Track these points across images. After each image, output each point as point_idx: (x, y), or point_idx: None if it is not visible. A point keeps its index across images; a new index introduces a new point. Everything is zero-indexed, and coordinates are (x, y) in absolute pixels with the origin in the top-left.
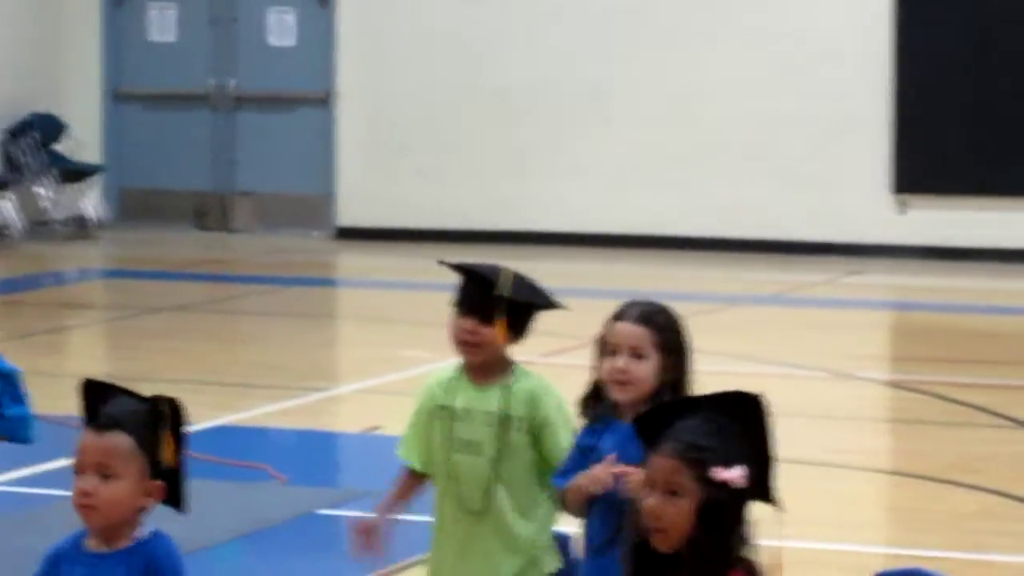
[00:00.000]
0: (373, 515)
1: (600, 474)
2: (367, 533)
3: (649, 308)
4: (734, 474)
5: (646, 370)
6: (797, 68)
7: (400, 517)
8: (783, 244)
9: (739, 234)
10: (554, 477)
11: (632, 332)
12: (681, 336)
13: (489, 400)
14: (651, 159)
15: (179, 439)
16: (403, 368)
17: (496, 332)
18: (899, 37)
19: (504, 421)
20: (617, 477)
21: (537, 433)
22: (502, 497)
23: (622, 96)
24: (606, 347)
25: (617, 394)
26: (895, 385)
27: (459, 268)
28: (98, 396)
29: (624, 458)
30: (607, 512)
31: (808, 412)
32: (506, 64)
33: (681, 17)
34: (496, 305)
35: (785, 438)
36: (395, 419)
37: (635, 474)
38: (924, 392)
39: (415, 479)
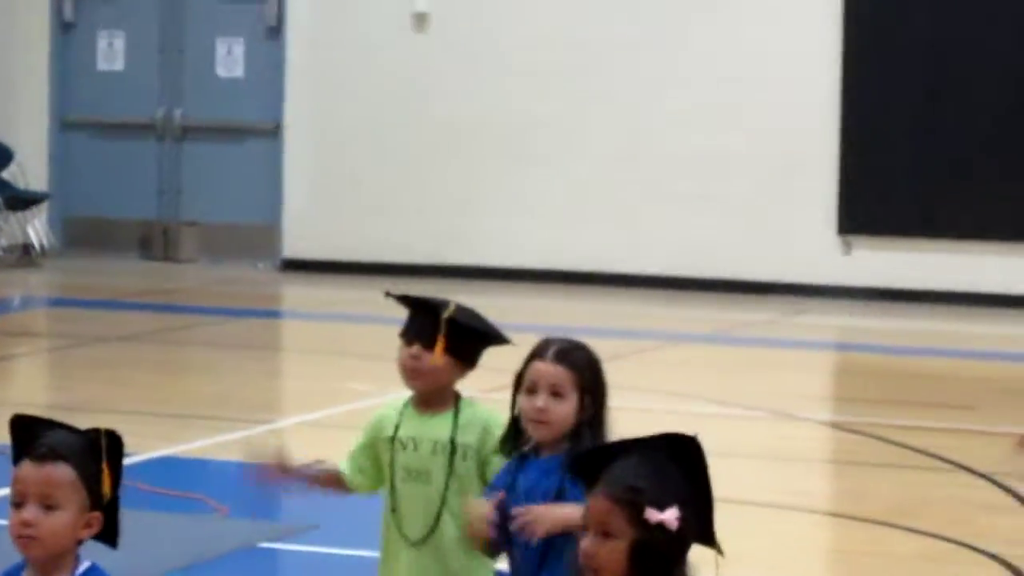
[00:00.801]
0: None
1: (485, 515)
2: (275, 470)
3: (568, 346)
4: (668, 516)
5: (565, 410)
6: (745, 107)
7: (299, 487)
8: (727, 283)
9: (684, 272)
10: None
11: (551, 371)
12: (599, 375)
13: (436, 428)
14: (598, 195)
15: (117, 472)
16: (348, 401)
17: (438, 357)
18: (846, 79)
19: (453, 450)
20: (509, 518)
21: (485, 462)
22: (448, 527)
23: (570, 132)
24: (524, 385)
25: (536, 433)
26: (836, 426)
27: (404, 299)
28: (29, 430)
29: (539, 493)
30: (527, 552)
31: (749, 452)
32: (454, 98)
33: (630, 54)
34: (438, 331)
35: (725, 478)
36: (340, 452)
37: (529, 514)
38: (865, 434)
39: (339, 484)
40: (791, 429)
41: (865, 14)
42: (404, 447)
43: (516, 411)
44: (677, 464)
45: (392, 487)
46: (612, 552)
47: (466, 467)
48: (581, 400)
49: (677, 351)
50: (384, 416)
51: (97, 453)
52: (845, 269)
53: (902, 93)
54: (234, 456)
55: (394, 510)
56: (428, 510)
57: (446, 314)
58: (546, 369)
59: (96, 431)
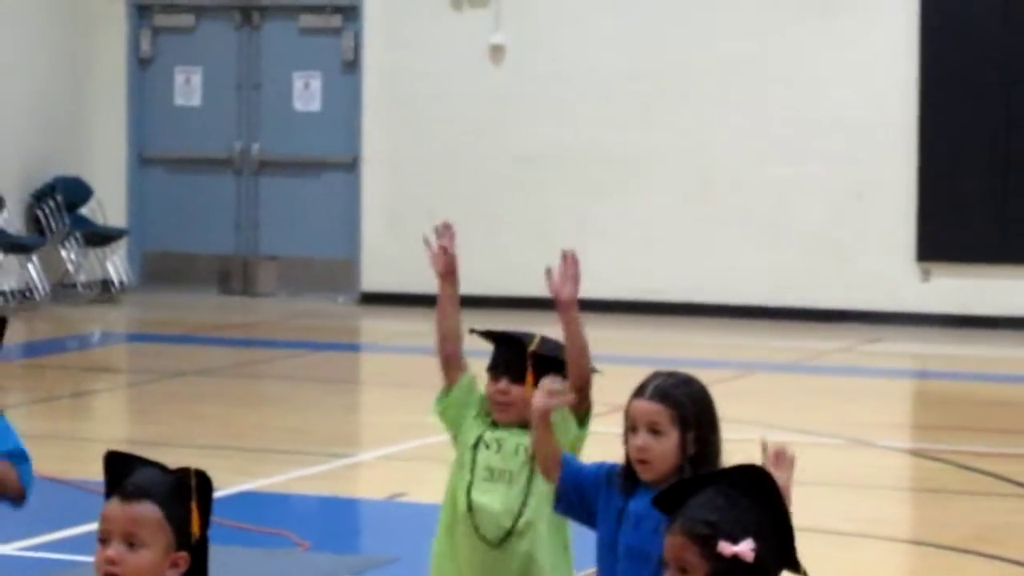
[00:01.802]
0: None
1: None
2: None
3: (668, 382)
4: (742, 548)
5: (665, 447)
6: (822, 134)
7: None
8: (805, 311)
9: (761, 301)
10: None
11: (648, 409)
12: (703, 409)
13: (522, 436)
14: (673, 225)
15: (206, 512)
16: (427, 435)
17: (527, 390)
18: (924, 104)
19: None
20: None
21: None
22: (527, 530)
23: (644, 162)
24: (627, 424)
25: (641, 473)
26: (915, 453)
27: (490, 334)
28: (121, 467)
29: (652, 519)
30: (632, 567)
31: (828, 480)
32: (529, 129)
33: (705, 83)
34: (527, 364)
35: (803, 507)
36: (419, 485)
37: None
38: (944, 460)
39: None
40: (870, 457)
41: (942, 40)
42: (488, 447)
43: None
44: (750, 495)
45: (469, 487)
46: None
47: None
48: (682, 437)
49: (755, 380)
50: (471, 414)
51: (185, 493)
52: (923, 296)
53: (980, 118)
54: (314, 490)
55: (470, 510)
56: (508, 511)
57: (532, 347)
58: (643, 406)
59: (185, 471)
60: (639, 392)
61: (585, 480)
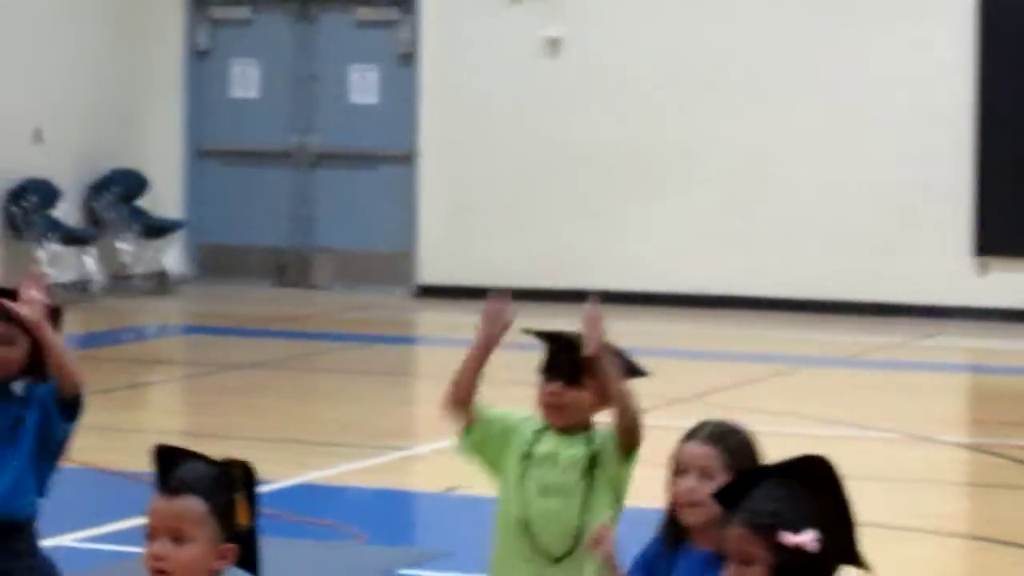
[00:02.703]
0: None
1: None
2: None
3: (719, 428)
4: (805, 538)
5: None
6: (878, 129)
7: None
8: (862, 305)
9: (817, 295)
10: None
11: (700, 452)
12: (754, 457)
13: (575, 446)
14: (729, 220)
15: (252, 502)
16: None
17: (581, 393)
18: (981, 98)
19: (592, 464)
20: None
21: (614, 475)
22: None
23: (699, 157)
24: (677, 468)
25: (687, 516)
26: (973, 448)
27: (543, 335)
28: (170, 460)
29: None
30: None
31: (885, 475)
32: (586, 123)
33: (760, 79)
34: (581, 367)
35: (861, 502)
36: (474, 478)
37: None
38: (1003, 456)
39: (468, 401)
40: (927, 452)
41: (999, 33)
42: (541, 464)
43: (670, 496)
44: (811, 486)
45: (523, 503)
46: None
47: (602, 478)
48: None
49: (811, 375)
50: (519, 429)
51: (230, 484)
52: (981, 290)
53: None
54: (370, 483)
55: (527, 526)
56: (567, 526)
57: (588, 352)
58: (694, 450)
59: (229, 462)
60: (690, 436)
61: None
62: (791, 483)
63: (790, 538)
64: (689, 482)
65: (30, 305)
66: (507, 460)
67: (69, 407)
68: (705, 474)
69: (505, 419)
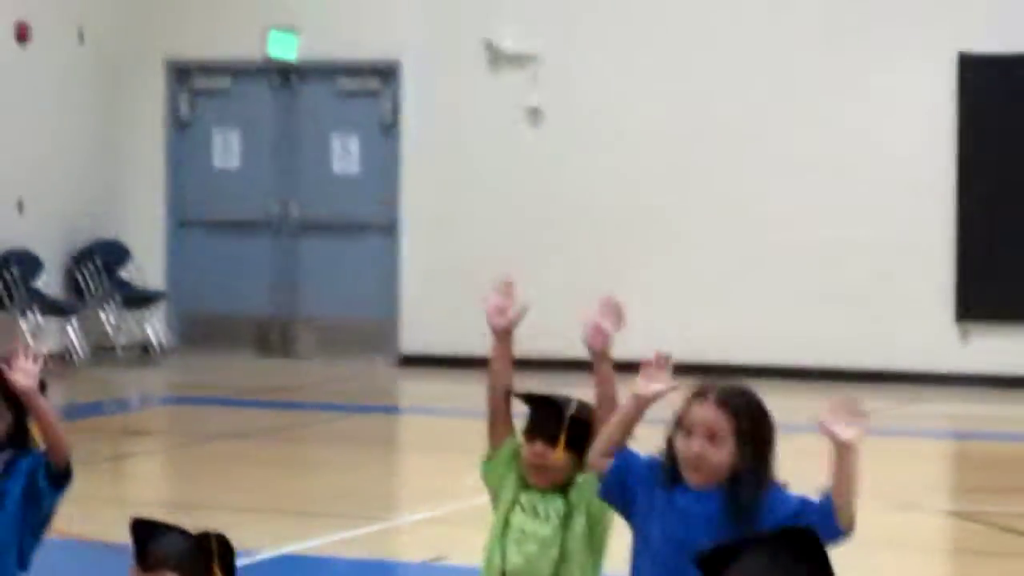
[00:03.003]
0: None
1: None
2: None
3: (730, 391)
4: None
5: (721, 456)
6: (861, 196)
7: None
8: (843, 372)
9: (799, 361)
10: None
11: (709, 415)
12: (761, 422)
13: (556, 499)
14: (714, 285)
15: (229, 573)
16: (467, 498)
17: (563, 454)
18: (962, 167)
19: (569, 513)
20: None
21: (594, 523)
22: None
23: (685, 222)
24: (682, 425)
25: (691, 476)
26: (956, 515)
27: (526, 397)
28: (146, 533)
29: (699, 516)
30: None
31: (868, 541)
32: (570, 192)
33: (744, 144)
34: (563, 429)
35: (843, 567)
36: (458, 549)
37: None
38: (986, 523)
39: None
40: (911, 518)
41: (979, 99)
42: (524, 510)
43: (671, 449)
44: (795, 556)
45: (503, 550)
46: None
47: (581, 532)
48: (739, 448)
49: (795, 441)
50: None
51: (206, 558)
52: (963, 356)
53: (1019, 177)
54: (354, 553)
55: (503, 573)
56: (549, 568)
57: (570, 412)
58: (704, 413)
59: (204, 535)
60: (700, 396)
61: (631, 471)
62: (775, 553)
63: None
64: (695, 445)
65: (23, 373)
66: (503, 496)
67: (57, 477)
68: (712, 437)
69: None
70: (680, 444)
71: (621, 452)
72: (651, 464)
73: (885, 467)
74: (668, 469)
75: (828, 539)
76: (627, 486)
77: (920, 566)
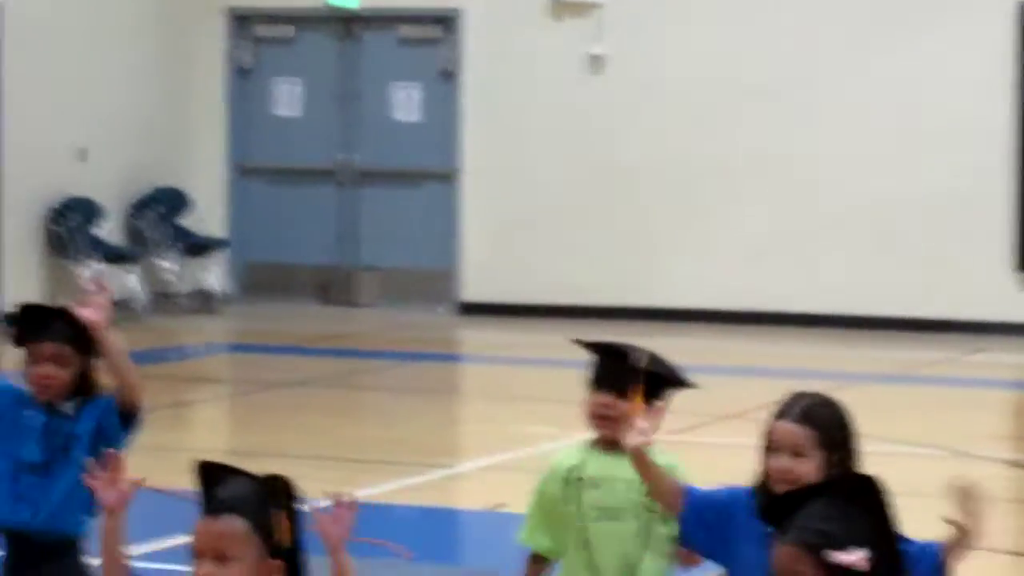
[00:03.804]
0: None
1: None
2: None
3: (810, 405)
4: (855, 557)
5: (808, 469)
6: (920, 145)
7: None
8: (906, 321)
9: (861, 311)
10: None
11: (792, 432)
12: (845, 431)
13: (627, 467)
14: (774, 236)
15: (293, 517)
16: (527, 445)
17: (631, 404)
18: (1021, 117)
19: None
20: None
21: None
22: (648, 566)
23: (745, 173)
24: (769, 444)
25: (782, 491)
26: (1017, 465)
27: (593, 346)
28: (212, 477)
29: None
30: None
31: (928, 492)
32: (630, 140)
33: (804, 95)
34: (632, 379)
35: (907, 518)
36: (520, 496)
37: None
38: None
39: (540, 564)
40: (972, 468)
41: None
42: (596, 486)
43: (763, 471)
44: (860, 505)
45: (580, 527)
46: None
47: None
48: (825, 458)
49: (856, 391)
50: (562, 464)
51: (271, 501)
52: (1023, 306)
53: None
54: (415, 501)
55: (587, 549)
56: (625, 548)
57: (638, 363)
58: (786, 429)
59: (269, 478)
60: (782, 415)
61: (715, 508)
62: (840, 502)
63: (840, 557)
64: (782, 461)
65: (95, 307)
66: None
67: (128, 418)
68: (798, 453)
69: (549, 500)
70: (769, 463)
71: (691, 494)
72: (733, 494)
73: (948, 417)
74: (761, 492)
75: None
76: (718, 524)
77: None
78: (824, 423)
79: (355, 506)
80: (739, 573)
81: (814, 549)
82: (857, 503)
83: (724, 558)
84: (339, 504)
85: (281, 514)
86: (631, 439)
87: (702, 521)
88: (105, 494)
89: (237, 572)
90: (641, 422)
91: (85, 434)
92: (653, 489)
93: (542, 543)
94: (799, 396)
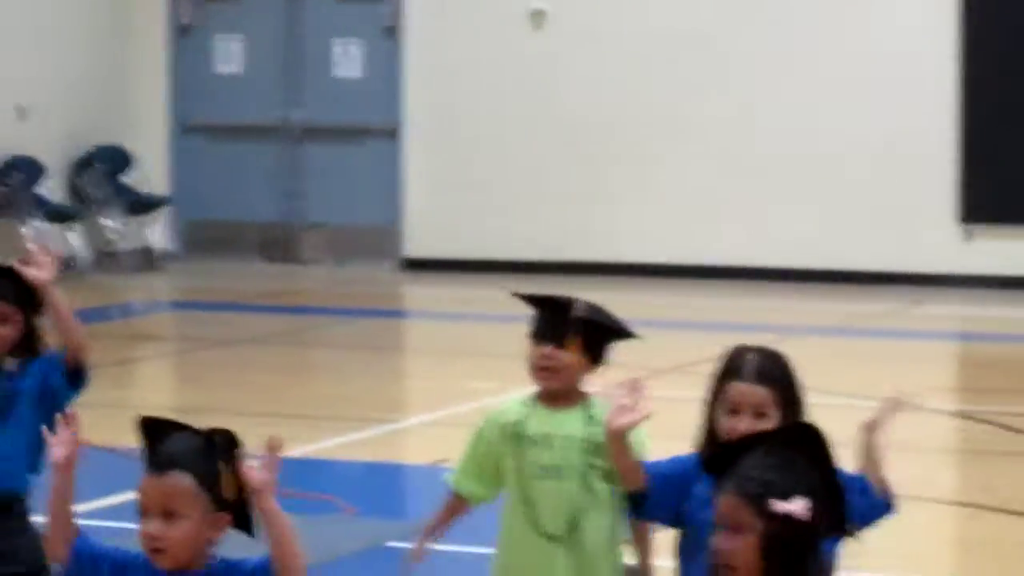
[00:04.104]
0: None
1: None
2: (415, 559)
3: (763, 363)
4: (795, 506)
5: (771, 427)
6: (865, 96)
7: (440, 544)
8: (847, 274)
9: (803, 264)
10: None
11: (753, 392)
12: (797, 383)
13: (568, 424)
14: (716, 190)
15: (238, 470)
16: (471, 400)
17: (572, 355)
18: (966, 66)
19: (594, 448)
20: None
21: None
22: (589, 522)
23: (688, 125)
24: (725, 405)
25: None
26: (963, 416)
27: (532, 298)
28: (155, 433)
29: None
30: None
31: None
32: (572, 95)
33: (748, 44)
34: (571, 329)
35: (851, 470)
36: (462, 451)
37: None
38: (992, 423)
39: (460, 505)
40: (915, 420)
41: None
42: (536, 443)
43: (714, 429)
44: (801, 455)
45: (522, 485)
46: (744, 547)
47: (601, 462)
48: (784, 416)
49: (798, 344)
50: (505, 417)
51: (216, 454)
52: (967, 258)
53: (1023, 78)
54: (360, 456)
55: (528, 505)
56: (567, 506)
57: (577, 313)
58: (748, 391)
59: (213, 432)
60: (737, 374)
61: (674, 482)
62: (781, 451)
63: (780, 506)
64: (745, 423)
65: (40, 267)
66: (505, 461)
67: (74, 375)
68: (760, 413)
69: (484, 446)
70: (726, 424)
71: (649, 468)
72: (678, 462)
73: (892, 369)
74: (710, 449)
75: (880, 515)
76: (671, 499)
77: (925, 467)
78: (780, 380)
79: (279, 450)
80: (693, 536)
81: (754, 498)
82: (799, 452)
83: (680, 524)
84: (266, 449)
85: (226, 467)
86: (616, 420)
87: (664, 497)
88: (56, 450)
89: (185, 528)
90: (623, 399)
91: (29, 391)
92: (619, 470)
93: (470, 488)
94: (745, 352)
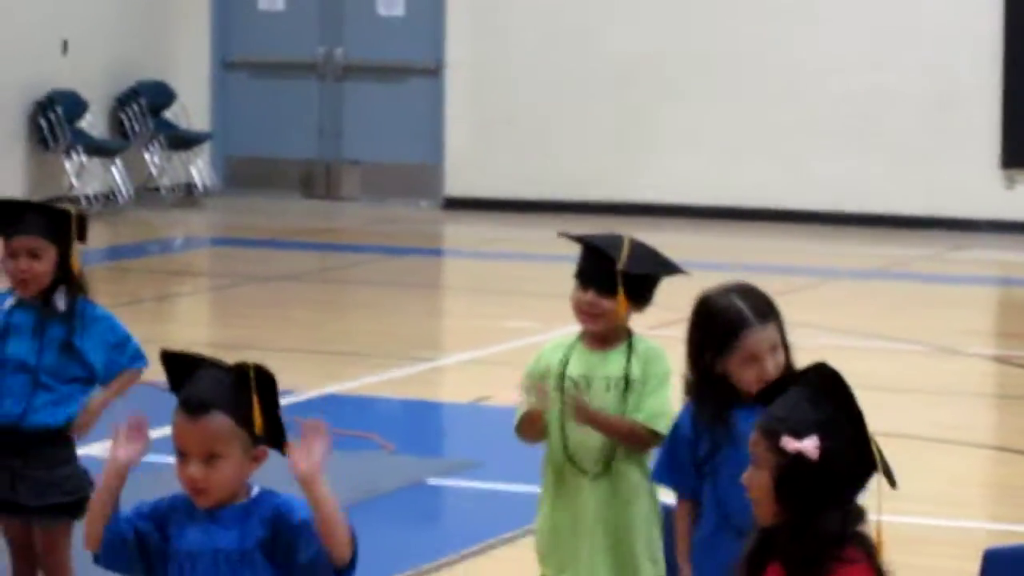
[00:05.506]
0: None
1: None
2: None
3: (760, 302)
4: (805, 445)
5: (782, 359)
6: (905, 41)
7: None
8: (888, 218)
9: (844, 208)
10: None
11: (769, 336)
12: (780, 313)
13: (609, 365)
14: (758, 132)
15: (270, 404)
16: (511, 339)
17: (616, 304)
18: (1009, 9)
19: (627, 386)
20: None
21: (640, 393)
22: (624, 461)
23: (730, 68)
24: (741, 355)
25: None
26: (1001, 360)
27: (580, 240)
28: (182, 368)
29: None
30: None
31: (912, 387)
32: (615, 35)
33: None
34: (616, 280)
35: (889, 413)
36: (503, 389)
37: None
38: None
39: (536, 420)
40: (955, 364)
41: None
42: (576, 385)
43: (712, 382)
44: (821, 394)
45: (562, 425)
46: (760, 480)
47: (635, 400)
48: (785, 346)
49: (838, 287)
50: (549, 357)
51: (247, 390)
52: (1008, 203)
53: None
54: (398, 393)
55: (566, 446)
56: (603, 445)
57: (623, 267)
58: (764, 335)
59: (243, 367)
60: (744, 322)
61: (686, 447)
62: (804, 391)
63: (791, 443)
64: (771, 365)
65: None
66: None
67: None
68: (774, 350)
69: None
70: (748, 374)
71: (668, 439)
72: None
73: (931, 313)
74: (715, 405)
75: None
76: (683, 464)
77: (963, 411)
78: (772, 308)
79: (325, 435)
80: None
81: (770, 434)
82: (818, 391)
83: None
84: (307, 434)
85: (255, 400)
86: (580, 417)
87: (674, 464)
88: (122, 451)
89: (227, 468)
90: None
91: (87, 352)
92: (619, 440)
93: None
94: (727, 298)
